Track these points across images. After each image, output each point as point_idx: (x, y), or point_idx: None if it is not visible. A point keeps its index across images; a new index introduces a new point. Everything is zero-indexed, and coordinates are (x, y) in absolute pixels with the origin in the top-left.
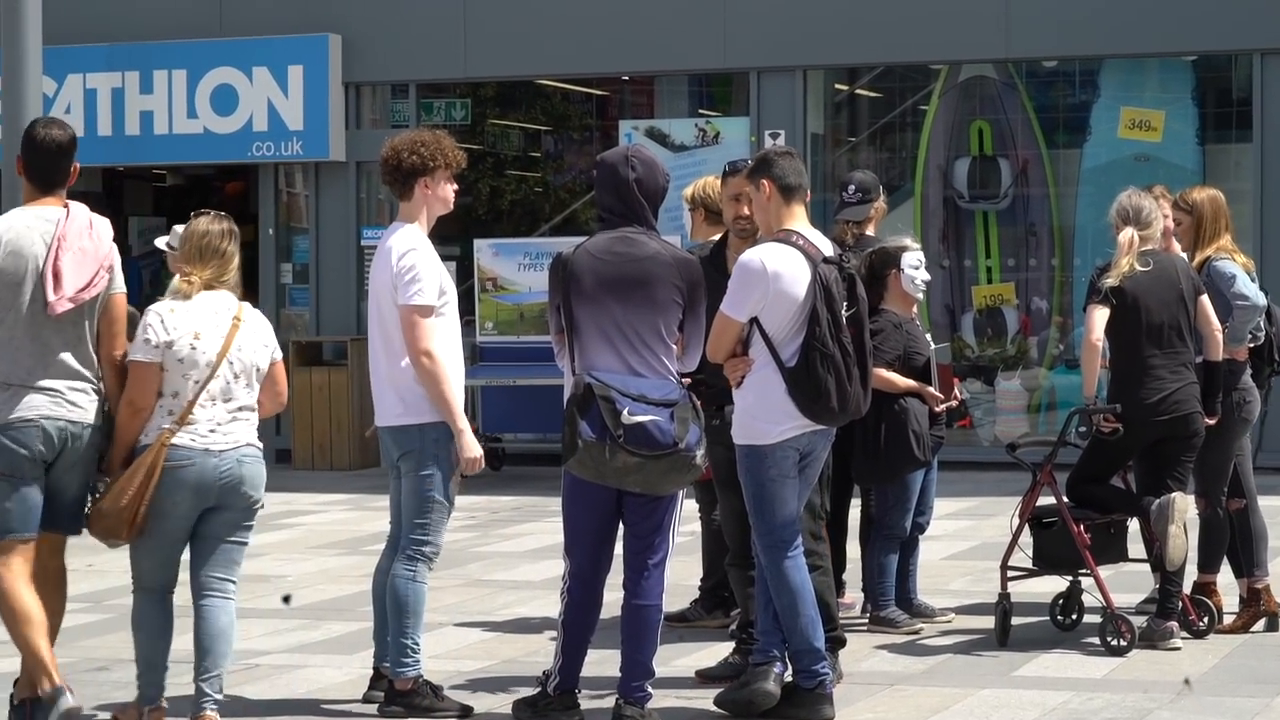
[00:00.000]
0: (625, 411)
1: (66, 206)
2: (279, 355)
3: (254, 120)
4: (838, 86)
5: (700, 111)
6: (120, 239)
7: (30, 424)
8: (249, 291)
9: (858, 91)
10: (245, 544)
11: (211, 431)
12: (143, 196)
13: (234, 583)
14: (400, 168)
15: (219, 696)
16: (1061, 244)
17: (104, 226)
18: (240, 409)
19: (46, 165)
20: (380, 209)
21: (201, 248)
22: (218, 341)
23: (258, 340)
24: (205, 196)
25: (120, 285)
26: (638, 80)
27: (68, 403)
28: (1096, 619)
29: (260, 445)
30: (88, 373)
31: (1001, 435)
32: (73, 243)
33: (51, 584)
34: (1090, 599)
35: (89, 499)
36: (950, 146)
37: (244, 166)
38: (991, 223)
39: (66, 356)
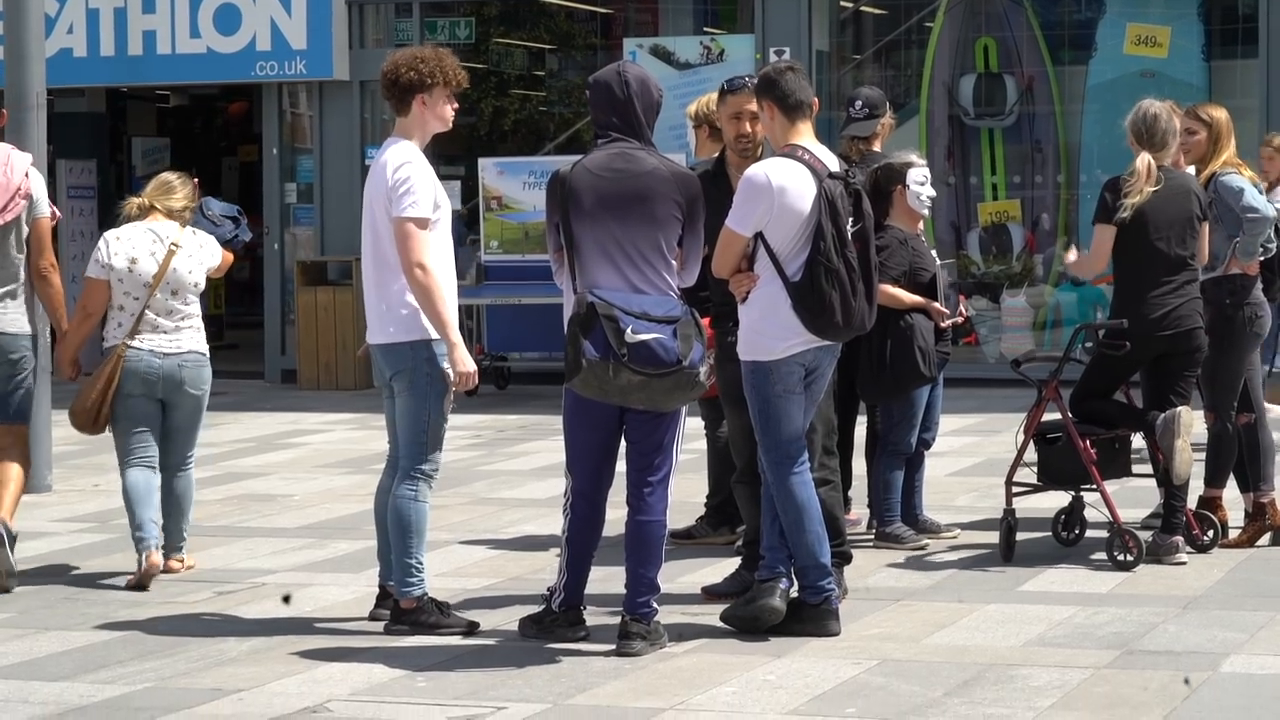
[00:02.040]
0: (629, 330)
1: None
2: (218, 261)
3: (257, 39)
4: (843, 4)
5: (705, 29)
6: (125, 159)
7: None
8: (254, 212)
9: (863, 8)
10: (198, 427)
11: (158, 339)
12: (146, 117)
13: (192, 455)
14: (398, 83)
15: (184, 544)
16: (1067, 161)
17: (20, 161)
18: (184, 319)
19: None
20: (385, 129)
21: (161, 187)
22: (153, 265)
23: (193, 262)
24: (209, 117)
25: (43, 210)
26: None
27: None
28: (1100, 534)
29: (205, 351)
30: (10, 286)
31: (1006, 352)
32: None
33: (5, 467)
34: (1093, 514)
35: (22, 395)
36: (955, 64)
37: (247, 86)
38: (997, 140)
39: None
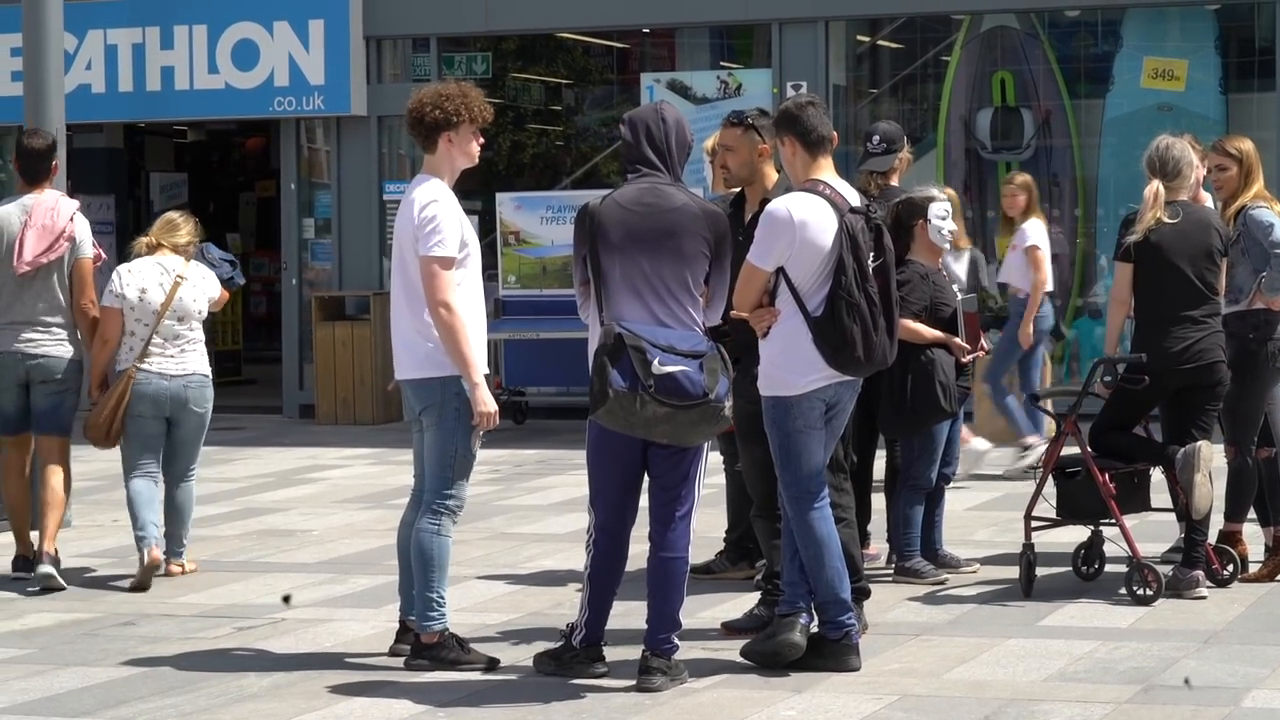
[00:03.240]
0: (656, 361)
1: (41, 193)
2: (218, 293)
3: (275, 75)
4: (859, 38)
5: (722, 64)
6: (142, 194)
7: (6, 353)
8: (272, 248)
9: (879, 42)
10: (200, 442)
11: (165, 361)
12: (164, 152)
13: (194, 468)
14: (424, 121)
15: (183, 550)
16: (1084, 195)
17: (66, 207)
18: (188, 343)
19: (30, 166)
20: (402, 163)
21: (165, 222)
22: (161, 295)
23: (197, 291)
24: (226, 152)
25: (86, 251)
26: (658, 33)
27: (33, 339)
28: (1119, 569)
29: (208, 373)
30: (55, 318)
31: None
32: (36, 221)
33: (51, 471)
34: (1113, 549)
35: (61, 411)
36: (972, 98)
37: (265, 122)
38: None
39: (36, 305)
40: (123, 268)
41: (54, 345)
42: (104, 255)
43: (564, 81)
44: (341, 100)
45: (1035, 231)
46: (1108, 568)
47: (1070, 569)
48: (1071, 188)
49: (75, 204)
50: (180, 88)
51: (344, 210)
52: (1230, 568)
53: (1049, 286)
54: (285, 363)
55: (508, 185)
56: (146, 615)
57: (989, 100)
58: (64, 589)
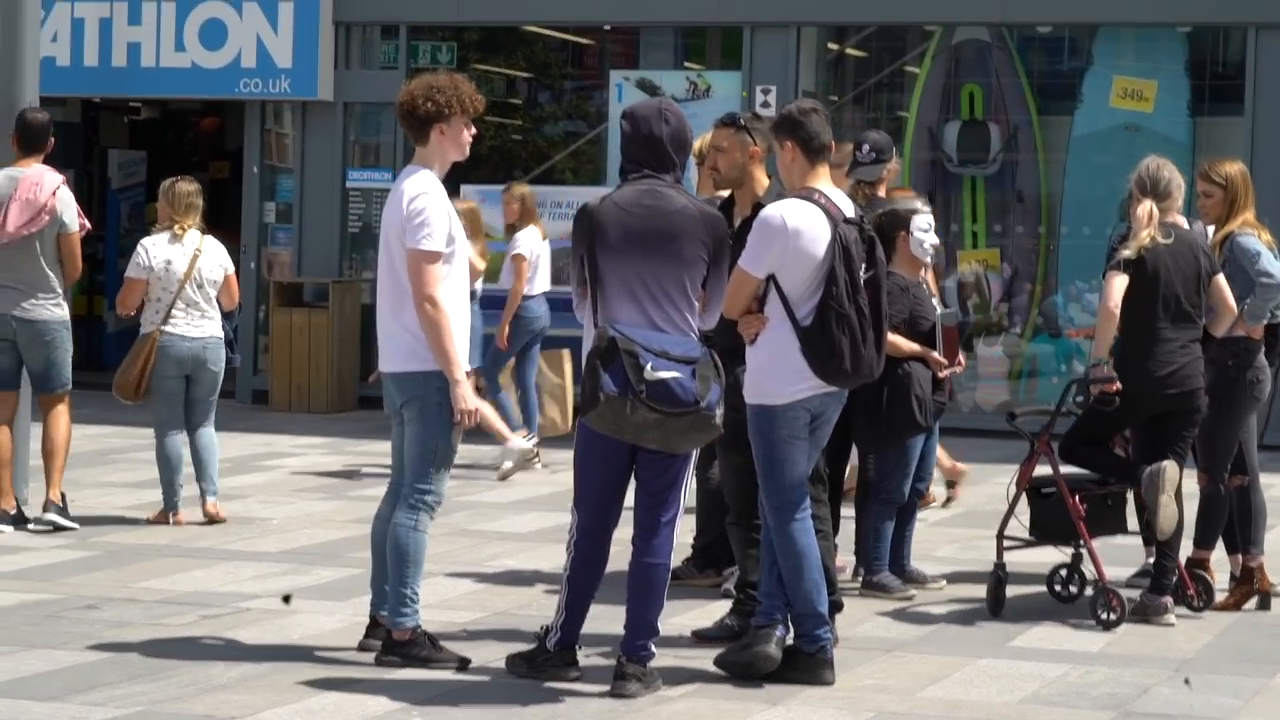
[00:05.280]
0: (649, 367)
1: (30, 167)
2: (231, 269)
3: (242, 56)
4: (830, 46)
5: (686, 64)
6: (96, 169)
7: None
8: (231, 230)
9: (850, 50)
10: (215, 396)
11: (186, 325)
12: (119, 129)
13: (211, 418)
14: (416, 114)
15: (216, 491)
16: (1049, 212)
17: (50, 182)
18: (205, 310)
19: (28, 139)
20: (367, 151)
21: (187, 205)
22: (184, 266)
23: (213, 262)
24: (181, 131)
25: (70, 227)
26: (621, 30)
27: (21, 303)
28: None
29: (221, 335)
30: (42, 283)
31: (981, 402)
32: (21, 195)
33: (53, 424)
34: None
35: (54, 370)
36: (941, 109)
37: (221, 103)
38: (979, 188)
39: (22, 270)
40: (147, 241)
41: (40, 309)
42: (89, 226)
43: (525, 75)
44: (308, 85)
45: (525, 239)
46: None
47: (1039, 589)
48: (1035, 204)
49: (60, 179)
50: (146, 65)
51: (306, 196)
52: (1206, 596)
53: (532, 291)
54: (240, 347)
55: (462, 177)
56: (110, 599)
57: (957, 112)
58: (76, 529)
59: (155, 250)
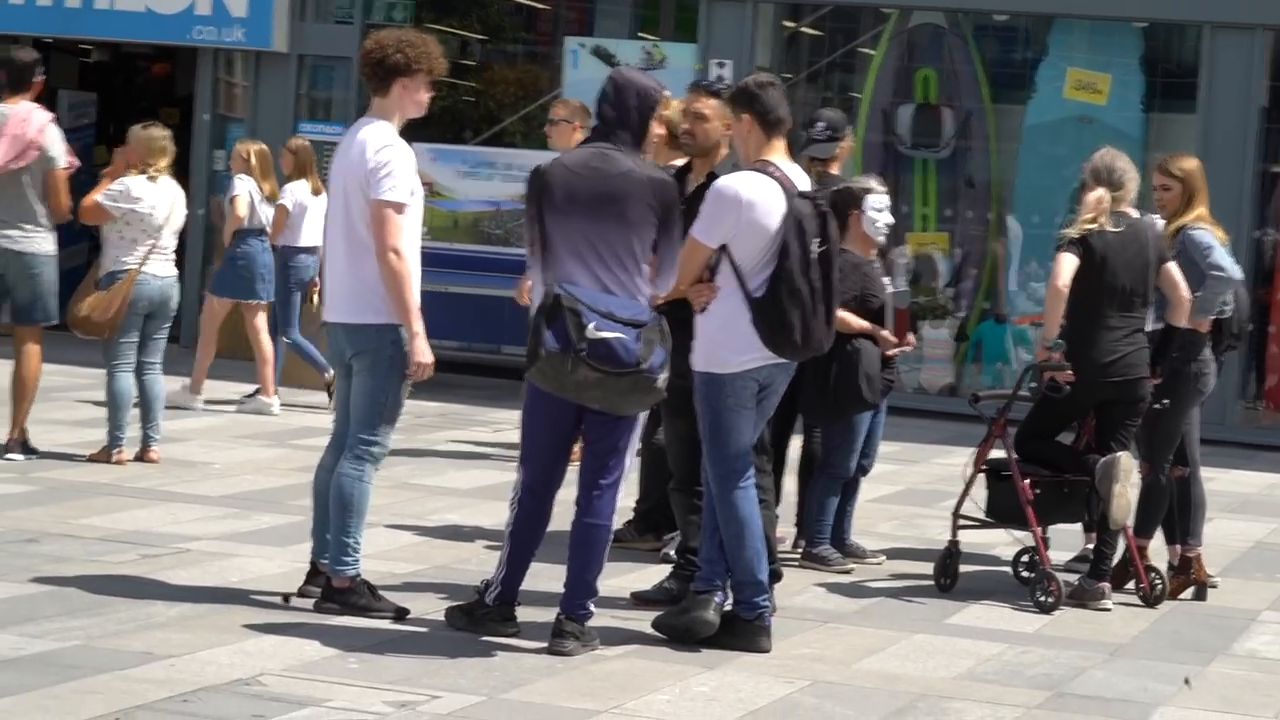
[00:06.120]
0: (591, 326)
1: (18, 104)
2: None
3: (197, 3)
4: (786, 23)
5: (640, 35)
6: (49, 108)
7: None
8: (180, 175)
9: (806, 29)
10: (165, 337)
11: (160, 265)
12: (69, 70)
13: (160, 362)
14: (383, 63)
15: (159, 437)
16: (999, 198)
17: (38, 119)
18: (171, 252)
19: (15, 76)
20: (319, 104)
21: (160, 148)
22: (165, 212)
23: (182, 207)
24: (130, 75)
25: (58, 163)
26: None
27: (10, 235)
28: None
29: (177, 275)
30: (30, 216)
31: (926, 383)
32: (8, 130)
33: (27, 356)
34: (1055, 555)
35: (38, 303)
36: (895, 92)
37: (173, 49)
38: (931, 171)
39: (11, 205)
40: (131, 181)
41: (28, 241)
42: (78, 162)
43: (479, 37)
44: (263, 35)
45: (292, 191)
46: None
47: (982, 568)
48: (986, 191)
49: (49, 116)
50: (100, 6)
51: None
52: (1159, 585)
53: (297, 242)
54: (184, 291)
55: (410, 135)
56: (48, 534)
57: (911, 96)
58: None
59: (139, 191)
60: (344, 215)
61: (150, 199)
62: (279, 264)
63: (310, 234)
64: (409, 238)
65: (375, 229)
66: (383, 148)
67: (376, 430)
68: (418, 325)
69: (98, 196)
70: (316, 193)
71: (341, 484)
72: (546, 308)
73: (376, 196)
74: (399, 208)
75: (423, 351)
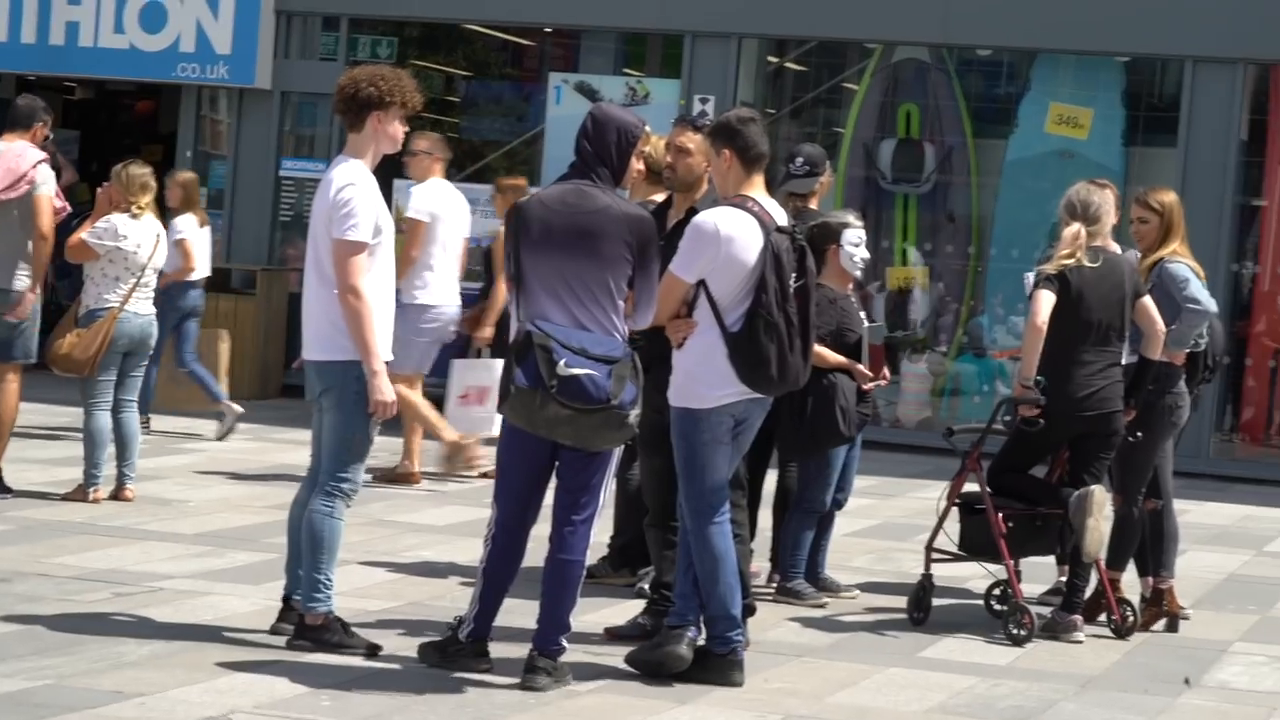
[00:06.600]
0: (562, 363)
1: (13, 142)
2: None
3: (181, 40)
4: (770, 58)
5: (624, 70)
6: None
7: None
8: (161, 210)
9: (790, 64)
10: (142, 375)
11: (140, 303)
12: (53, 107)
13: (136, 400)
14: (356, 98)
15: (134, 475)
16: (979, 234)
17: (32, 155)
18: (151, 289)
19: (12, 119)
20: (302, 141)
21: (141, 185)
22: (148, 250)
23: (165, 245)
24: (115, 113)
25: (45, 191)
26: (561, 33)
27: None
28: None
29: (155, 311)
30: (15, 253)
31: (903, 418)
32: (2, 164)
33: (6, 395)
34: (1028, 588)
35: (17, 341)
36: (877, 127)
37: (157, 86)
38: (912, 206)
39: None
40: (119, 219)
41: (14, 279)
42: (69, 208)
43: (464, 73)
44: (246, 72)
45: (184, 224)
46: (977, 605)
47: (954, 601)
48: (967, 226)
49: (43, 155)
50: (84, 44)
51: (239, 183)
52: (1131, 618)
53: (194, 275)
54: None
55: (394, 171)
56: (21, 573)
57: (893, 131)
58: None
59: (127, 229)
60: (314, 254)
61: (135, 237)
62: (168, 299)
63: (200, 267)
64: (376, 276)
65: (335, 269)
66: (345, 186)
67: (347, 467)
68: (378, 364)
69: (83, 235)
70: (203, 225)
71: (313, 520)
72: (518, 345)
73: (337, 236)
74: (358, 248)
75: (382, 390)
